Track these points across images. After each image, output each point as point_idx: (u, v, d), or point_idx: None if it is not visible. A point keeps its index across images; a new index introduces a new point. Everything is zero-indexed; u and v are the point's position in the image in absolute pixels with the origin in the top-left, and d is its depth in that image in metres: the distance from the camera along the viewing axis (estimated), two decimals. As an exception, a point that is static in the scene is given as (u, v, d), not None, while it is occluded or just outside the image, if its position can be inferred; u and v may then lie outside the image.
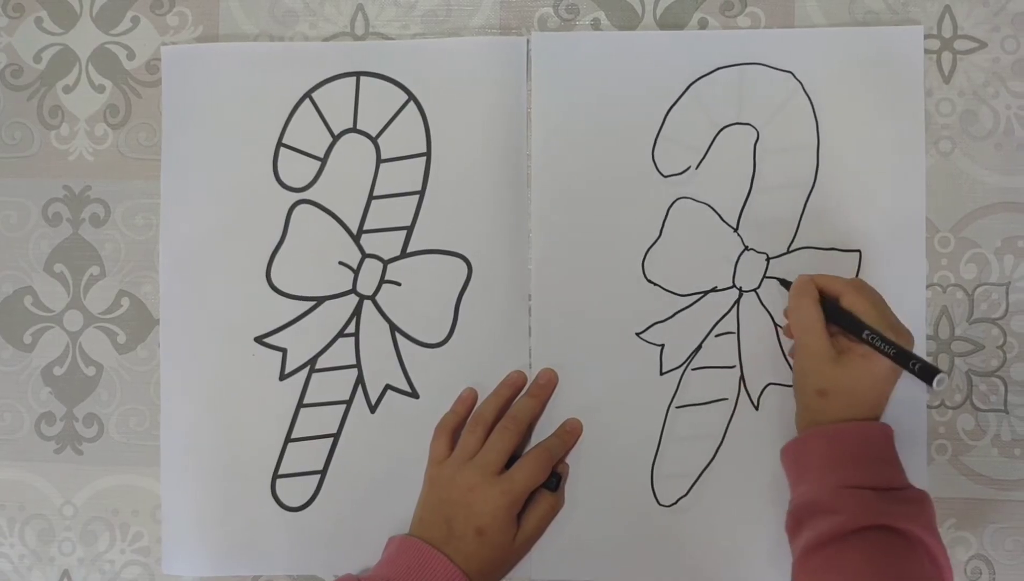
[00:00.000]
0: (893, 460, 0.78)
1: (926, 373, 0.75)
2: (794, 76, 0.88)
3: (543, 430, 0.89)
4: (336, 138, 0.92)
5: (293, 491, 0.92)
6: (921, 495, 0.77)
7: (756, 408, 0.88)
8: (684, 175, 0.89)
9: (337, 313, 0.92)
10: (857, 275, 0.87)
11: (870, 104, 0.87)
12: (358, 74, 0.93)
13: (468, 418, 0.89)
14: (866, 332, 0.77)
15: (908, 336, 0.79)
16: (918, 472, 0.86)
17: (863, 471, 0.76)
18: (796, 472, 0.81)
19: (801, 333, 0.81)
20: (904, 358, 0.76)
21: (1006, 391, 0.87)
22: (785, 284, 0.86)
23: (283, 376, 0.92)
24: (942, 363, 0.87)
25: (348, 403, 0.92)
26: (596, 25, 0.91)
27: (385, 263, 0.92)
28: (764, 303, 0.88)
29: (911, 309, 0.87)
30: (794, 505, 0.79)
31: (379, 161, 0.92)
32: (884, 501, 0.74)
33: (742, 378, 0.88)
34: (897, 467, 0.78)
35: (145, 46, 0.95)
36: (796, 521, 0.78)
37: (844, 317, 0.80)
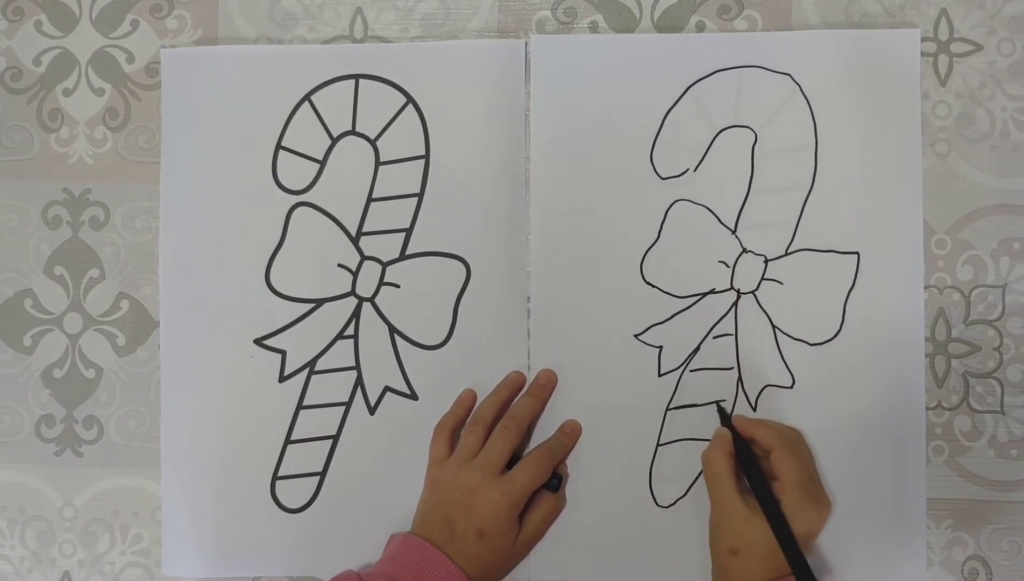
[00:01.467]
0: None
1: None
2: (792, 78, 0.88)
3: (542, 432, 0.89)
4: (335, 141, 0.93)
5: (293, 492, 0.92)
6: None
7: (754, 410, 0.88)
8: (682, 177, 0.89)
9: (336, 315, 0.92)
10: (855, 278, 0.87)
11: (867, 106, 0.87)
12: (357, 77, 0.93)
13: (467, 419, 0.89)
14: (764, 505, 0.78)
15: (824, 506, 0.81)
16: (915, 473, 0.86)
17: None
18: None
19: (712, 487, 0.82)
20: (795, 558, 0.76)
21: (1002, 392, 0.88)
22: (722, 414, 0.86)
23: (282, 378, 0.92)
24: (939, 365, 0.88)
25: (347, 405, 0.92)
26: (594, 28, 0.92)
27: (384, 265, 0.92)
28: (762, 305, 0.88)
29: (908, 311, 0.87)
30: None
31: (378, 163, 0.92)
32: None
33: (740, 380, 0.88)
34: None
35: (144, 49, 0.95)
36: None
37: (754, 478, 0.81)
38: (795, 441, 0.84)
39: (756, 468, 0.81)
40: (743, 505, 0.79)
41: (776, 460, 0.81)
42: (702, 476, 0.87)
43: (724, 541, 0.80)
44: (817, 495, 0.81)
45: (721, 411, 0.87)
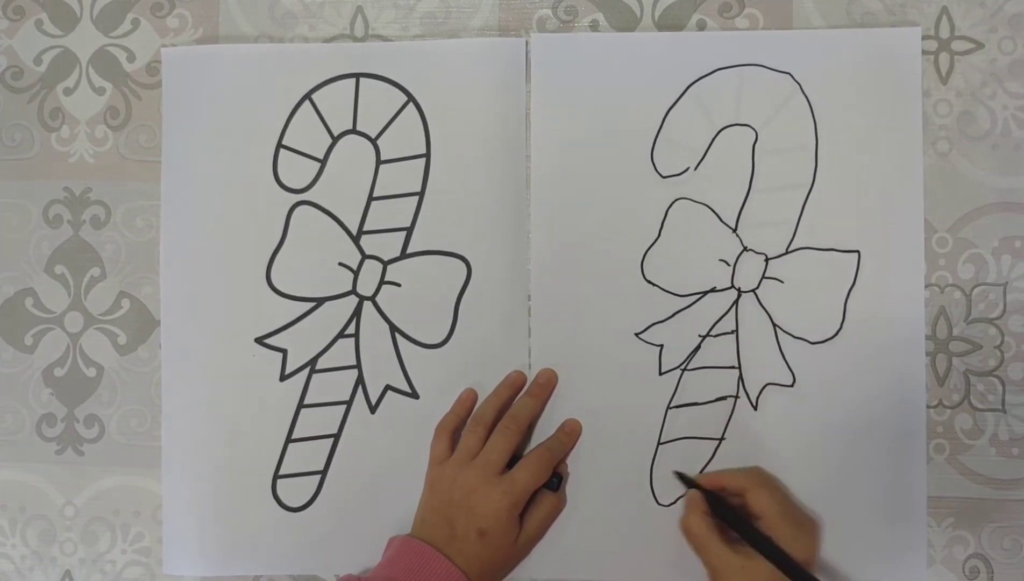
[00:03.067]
0: None
1: None
2: (792, 77, 0.88)
3: (542, 430, 0.89)
4: (336, 139, 0.93)
5: (294, 491, 0.92)
6: None
7: (755, 408, 0.88)
8: (683, 176, 0.89)
9: (337, 314, 0.92)
10: (856, 277, 0.87)
11: (868, 105, 0.87)
12: (358, 75, 0.93)
13: (468, 418, 0.89)
14: (757, 541, 0.79)
15: (812, 526, 0.81)
16: (916, 471, 0.86)
17: None
18: None
19: (701, 552, 0.82)
20: (791, 572, 0.76)
21: (1004, 391, 0.88)
22: (684, 480, 0.87)
23: (283, 377, 0.92)
24: (940, 363, 0.88)
25: (348, 404, 0.92)
26: (595, 26, 0.92)
27: (385, 264, 0.92)
28: (763, 304, 0.88)
29: (909, 309, 0.87)
30: None
31: (379, 162, 0.92)
32: None
33: (741, 378, 0.88)
34: None
35: (145, 48, 0.95)
36: None
37: (739, 524, 0.81)
38: (763, 476, 0.84)
39: (737, 515, 0.82)
40: (737, 556, 0.79)
41: (752, 500, 0.81)
42: (703, 474, 0.87)
43: None
44: (802, 519, 0.81)
45: (681, 477, 0.87)
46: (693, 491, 0.85)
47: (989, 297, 0.88)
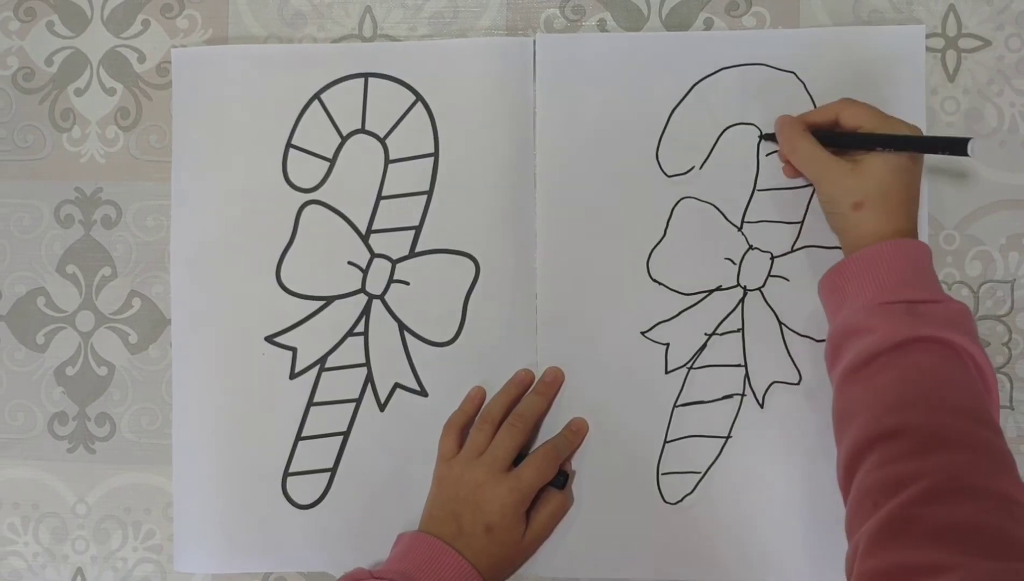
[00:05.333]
0: (929, 275, 0.77)
1: (956, 146, 0.75)
2: (796, 76, 0.88)
3: (549, 429, 0.90)
4: (345, 139, 0.93)
5: (304, 489, 0.93)
6: (960, 306, 0.75)
7: (761, 406, 0.88)
8: (688, 175, 0.89)
9: (346, 312, 0.93)
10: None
11: (872, 103, 0.87)
12: (366, 75, 0.93)
13: (476, 416, 0.90)
14: (877, 139, 0.78)
15: (915, 128, 0.79)
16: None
17: (898, 288, 0.75)
18: (833, 301, 0.80)
19: (809, 165, 0.81)
20: (927, 143, 0.77)
21: (1012, 388, 0.88)
22: (771, 137, 0.87)
23: (293, 375, 0.93)
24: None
25: (357, 402, 0.92)
26: (602, 26, 0.92)
27: (394, 263, 0.92)
28: (769, 302, 0.88)
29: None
30: (830, 334, 0.79)
31: (387, 161, 0.92)
32: (919, 314, 0.73)
33: (747, 376, 0.88)
34: (934, 282, 0.77)
35: (155, 49, 0.96)
36: (834, 349, 0.78)
37: (847, 138, 0.80)
38: (850, 99, 0.82)
39: (838, 133, 0.82)
40: (846, 161, 0.79)
41: (847, 118, 0.81)
42: (710, 472, 0.88)
43: (844, 202, 0.79)
44: (900, 124, 0.79)
45: (769, 137, 0.88)
46: (783, 116, 0.85)
47: (997, 294, 0.88)
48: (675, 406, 0.89)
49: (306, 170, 0.93)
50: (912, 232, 0.78)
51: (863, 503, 0.67)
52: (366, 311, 0.92)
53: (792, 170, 0.86)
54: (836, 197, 0.79)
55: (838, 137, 0.81)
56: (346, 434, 0.92)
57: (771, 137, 0.87)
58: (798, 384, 0.88)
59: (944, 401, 0.70)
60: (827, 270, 0.80)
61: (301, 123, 0.94)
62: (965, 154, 0.74)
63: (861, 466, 0.70)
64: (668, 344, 0.89)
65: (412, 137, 0.93)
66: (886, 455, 0.68)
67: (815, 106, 0.88)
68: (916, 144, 0.78)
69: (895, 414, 0.70)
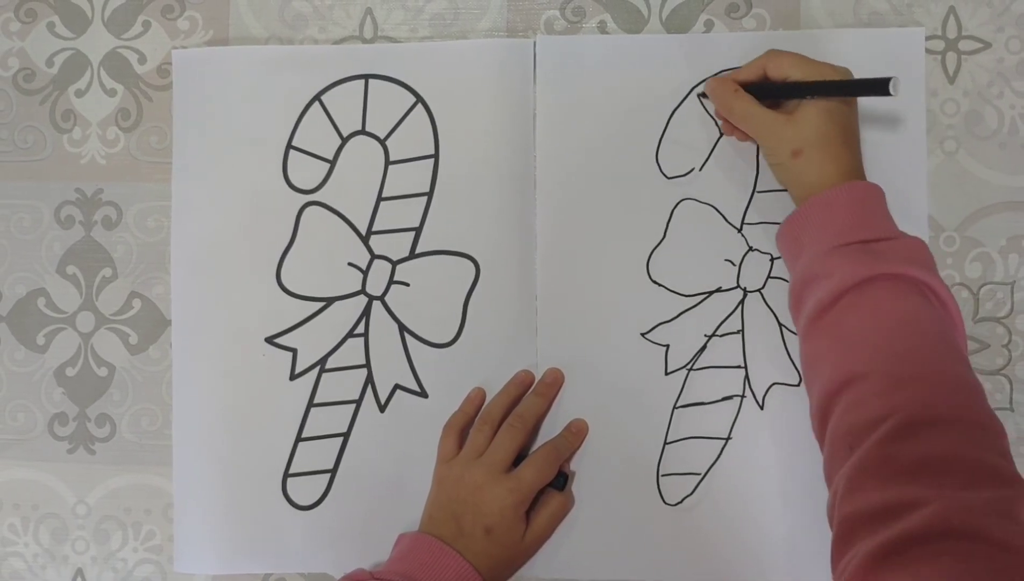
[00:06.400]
0: (882, 214, 0.77)
1: (879, 86, 0.76)
2: (795, 78, 0.89)
3: (549, 429, 0.90)
4: (345, 140, 0.93)
5: (304, 490, 0.93)
6: (916, 241, 0.76)
7: (761, 408, 0.88)
8: (688, 176, 0.89)
9: (346, 314, 0.93)
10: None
11: (871, 105, 0.87)
12: (367, 77, 0.93)
13: (476, 417, 0.89)
14: (804, 88, 0.79)
15: (844, 70, 0.80)
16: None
17: (852, 230, 0.75)
18: (790, 252, 0.81)
19: (746, 121, 0.83)
20: (851, 87, 0.78)
21: (1012, 390, 0.88)
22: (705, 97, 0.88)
23: (293, 376, 0.93)
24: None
25: (358, 403, 0.92)
26: (602, 28, 0.92)
27: (394, 264, 0.92)
28: (768, 303, 0.88)
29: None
30: (792, 284, 0.79)
31: (387, 163, 0.93)
32: (875, 252, 0.74)
33: (747, 378, 0.88)
34: (887, 220, 0.77)
35: (156, 50, 0.96)
36: (796, 298, 0.78)
37: (777, 88, 0.81)
38: (775, 50, 0.83)
39: (767, 85, 0.83)
40: (781, 113, 0.81)
41: (774, 69, 0.82)
42: (710, 473, 0.88)
43: (783, 150, 0.80)
44: (828, 69, 0.80)
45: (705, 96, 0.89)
46: (713, 78, 0.86)
47: (996, 296, 0.88)
48: (675, 407, 0.89)
49: (306, 171, 0.93)
50: (859, 173, 0.79)
51: (838, 448, 0.69)
52: (366, 312, 0.92)
53: (730, 127, 0.87)
54: (775, 148, 0.81)
55: (770, 89, 0.82)
56: (346, 435, 0.92)
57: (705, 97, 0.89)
58: (798, 385, 0.88)
59: (908, 338, 0.70)
60: (784, 221, 0.81)
61: (301, 124, 0.94)
62: (888, 94, 0.75)
63: (833, 411, 0.71)
64: (668, 345, 0.89)
65: (412, 138, 0.93)
66: (855, 397, 0.69)
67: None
68: (840, 88, 0.79)
69: (860, 356, 0.71)
